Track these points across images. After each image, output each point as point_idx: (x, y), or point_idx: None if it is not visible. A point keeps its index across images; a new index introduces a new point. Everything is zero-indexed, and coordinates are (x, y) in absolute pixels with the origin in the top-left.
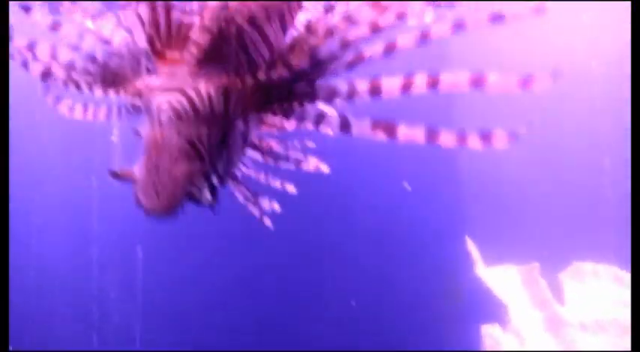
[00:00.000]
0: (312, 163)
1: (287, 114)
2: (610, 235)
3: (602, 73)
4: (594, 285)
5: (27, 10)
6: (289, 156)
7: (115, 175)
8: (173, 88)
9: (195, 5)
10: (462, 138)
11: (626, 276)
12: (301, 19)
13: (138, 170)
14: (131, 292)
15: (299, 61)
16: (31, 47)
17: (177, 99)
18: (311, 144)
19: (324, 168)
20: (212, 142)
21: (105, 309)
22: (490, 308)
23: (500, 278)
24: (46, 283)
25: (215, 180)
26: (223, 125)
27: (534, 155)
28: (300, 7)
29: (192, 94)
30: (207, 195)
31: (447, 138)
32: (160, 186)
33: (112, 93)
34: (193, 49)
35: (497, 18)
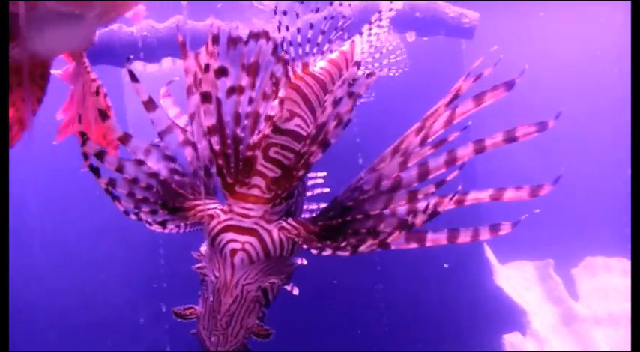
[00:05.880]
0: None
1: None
2: (621, 228)
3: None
4: (606, 279)
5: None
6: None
7: (178, 315)
8: (247, 230)
9: (256, 138)
10: (475, 234)
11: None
12: None
13: (202, 307)
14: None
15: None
16: (100, 156)
17: (252, 243)
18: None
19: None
20: (280, 287)
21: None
22: (510, 316)
23: (517, 279)
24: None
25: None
26: (288, 266)
27: (543, 154)
28: None
29: (267, 239)
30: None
31: (465, 236)
32: (229, 334)
33: (170, 215)
34: (270, 190)
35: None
